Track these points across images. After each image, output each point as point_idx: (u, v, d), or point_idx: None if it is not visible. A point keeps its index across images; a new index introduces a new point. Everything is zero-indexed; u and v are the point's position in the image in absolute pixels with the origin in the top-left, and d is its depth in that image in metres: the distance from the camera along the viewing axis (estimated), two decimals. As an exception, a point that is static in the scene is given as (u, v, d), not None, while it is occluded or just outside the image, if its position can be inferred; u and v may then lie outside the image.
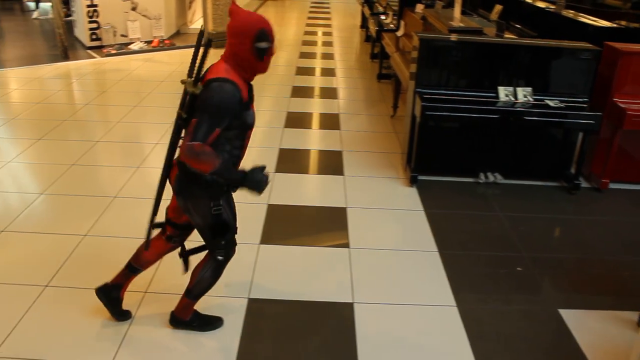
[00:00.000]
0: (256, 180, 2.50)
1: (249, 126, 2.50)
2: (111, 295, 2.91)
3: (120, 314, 2.94)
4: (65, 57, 8.36)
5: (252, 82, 2.52)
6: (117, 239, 3.69)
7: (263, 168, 2.55)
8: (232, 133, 2.44)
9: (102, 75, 7.70)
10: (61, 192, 4.29)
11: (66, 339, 2.82)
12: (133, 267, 2.88)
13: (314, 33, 11.67)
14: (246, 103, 2.44)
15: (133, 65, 8.22)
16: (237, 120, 2.41)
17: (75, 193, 4.29)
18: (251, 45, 2.36)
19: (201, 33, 2.50)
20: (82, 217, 3.93)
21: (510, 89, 4.50)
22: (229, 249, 2.69)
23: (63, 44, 8.35)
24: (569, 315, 3.16)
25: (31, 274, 3.29)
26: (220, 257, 2.69)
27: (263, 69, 2.48)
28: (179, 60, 8.69)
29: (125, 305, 2.97)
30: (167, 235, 2.83)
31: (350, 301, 3.17)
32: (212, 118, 2.31)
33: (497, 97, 4.48)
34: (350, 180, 4.70)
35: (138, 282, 3.19)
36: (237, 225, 2.71)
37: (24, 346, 2.75)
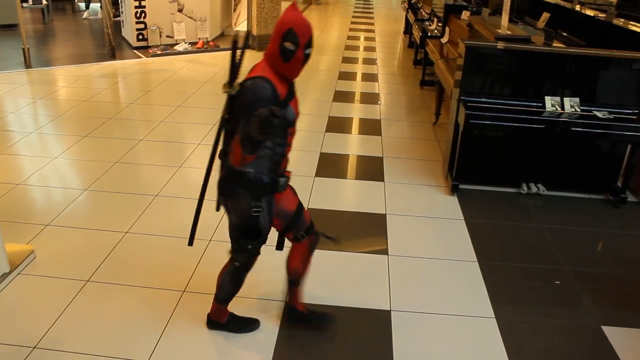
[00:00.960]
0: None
1: (290, 123, 2.43)
2: (295, 314, 2.97)
3: (317, 319, 2.97)
4: (113, 56, 8.54)
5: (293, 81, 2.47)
6: (158, 237, 3.74)
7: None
8: (285, 131, 2.42)
9: (147, 75, 7.84)
10: (104, 189, 4.37)
11: (105, 333, 2.86)
12: (290, 281, 2.90)
13: (357, 38, 11.66)
14: (284, 100, 2.36)
15: (177, 66, 8.34)
16: None
17: (117, 190, 4.36)
18: (280, 44, 2.28)
19: (240, 39, 2.47)
20: (123, 215, 3.99)
21: (557, 98, 4.41)
22: (251, 256, 2.62)
23: (111, 44, 8.53)
24: (612, 333, 3.07)
25: (73, 268, 3.36)
26: (237, 263, 2.64)
27: (289, 72, 2.35)
28: (223, 61, 8.77)
29: (163, 305, 3.01)
30: (292, 238, 2.79)
31: (388, 309, 3.15)
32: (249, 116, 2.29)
33: (543, 106, 4.39)
34: (390, 186, 4.67)
35: (177, 280, 3.23)
36: (268, 237, 2.63)
37: (65, 339, 2.80)
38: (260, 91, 2.27)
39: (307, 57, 2.32)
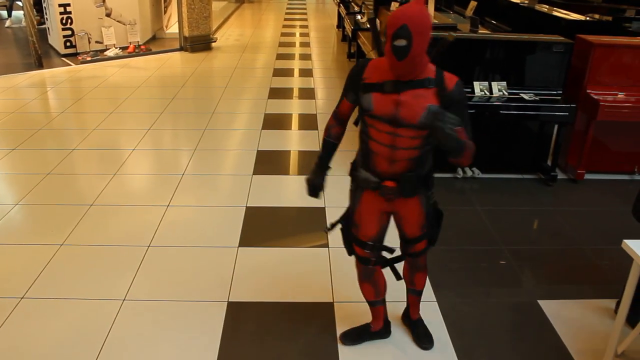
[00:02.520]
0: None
1: (364, 110, 2.30)
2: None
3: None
4: (40, 65, 8.27)
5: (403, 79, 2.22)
6: (94, 247, 3.66)
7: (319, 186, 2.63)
8: (365, 120, 2.37)
9: (77, 82, 7.63)
10: (37, 202, 4.24)
11: (43, 350, 2.78)
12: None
13: (291, 34, 11.66)
14: (369, 85, 2.27)
15: (109, 72, 8.15)
16: (357, 98, 2.34)
17: (51, 202, 4.24)
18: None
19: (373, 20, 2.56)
20: (58, 227, 3.88)
21: (485, 83, 4.53)
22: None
23: (37, 52, 8.25)
24: (548, 306, 3.18)
25: (6, 286, 3.25)
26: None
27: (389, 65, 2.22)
28: (156, 65, 8.63)
29: (103, 317, 2.95)
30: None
31: (331, 301, 3.17)
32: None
33: (472, 92, 4.50)
34: (329, 179, 4.66)
35: (116, 290, 3.17)
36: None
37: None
38: (353, 68, 2.39)
39: (397, 49, 2.11)
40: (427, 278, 3.36)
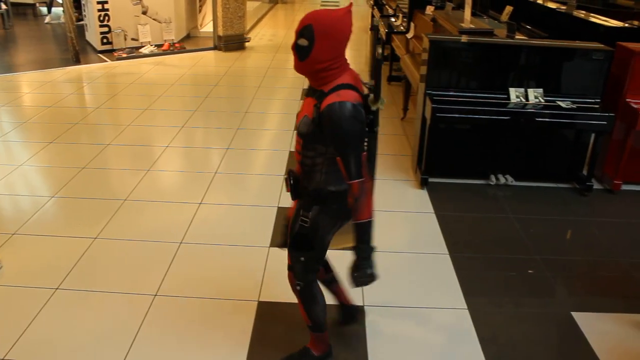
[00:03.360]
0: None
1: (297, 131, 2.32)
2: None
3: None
4: (77, 61, 8.41)
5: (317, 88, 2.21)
6: (127, 241, 3.70)
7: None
8: None
9: (112, 78, 7.74)
10: (72, 195, 4.31)
11: (75, 341, 2.82)
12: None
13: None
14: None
15: (143, 69, 8.25)
16: None
17: (85, 196, 4.30)
18: None
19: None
20: (92, 220, 3.94)
21: (521, 90, 4.47)
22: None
23: (74, 48, 8.39)
24: (582, 318, 3.12)
25: (42, 276, 3.30)
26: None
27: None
28: (190, 63, 8.71)
29: (135, 310, 2.98)
30: None
31: (361, 304, 3.16)
32: None
33: (508, 98, 4.45)
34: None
35: (148, 284, 3.21)
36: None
37: (34, 349, 2.76)
38: None
39: (299, 48, 2.12)
40: (460, 287, 3.34)
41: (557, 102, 4.42)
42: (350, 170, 2.15)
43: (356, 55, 9.98)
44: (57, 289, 3.20)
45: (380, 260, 3.57)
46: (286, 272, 2.62)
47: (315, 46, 2.07)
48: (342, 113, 2.08)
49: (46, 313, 3.01)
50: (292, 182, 2.41)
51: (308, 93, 2.28)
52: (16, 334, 2.84)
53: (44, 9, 12.58)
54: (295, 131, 2.33)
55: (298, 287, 2.54)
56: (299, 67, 2.17)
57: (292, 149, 5.33)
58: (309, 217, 2.40)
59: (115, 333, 2.87)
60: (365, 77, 8.34)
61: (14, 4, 11.74)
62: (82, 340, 2.82)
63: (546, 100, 4.44)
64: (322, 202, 2.38)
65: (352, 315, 2.98)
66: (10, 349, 2.74)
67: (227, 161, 5.00)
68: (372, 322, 3.02)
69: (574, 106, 4.38)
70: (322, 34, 2.07)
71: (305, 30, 2.07)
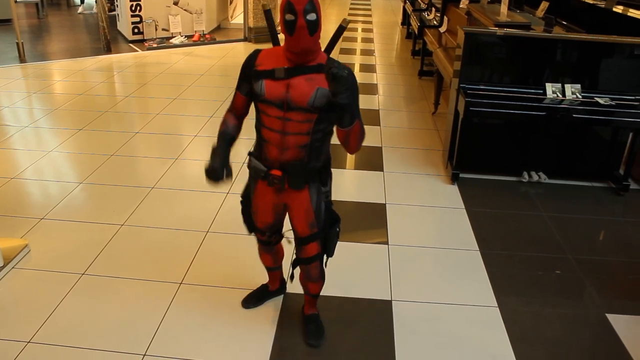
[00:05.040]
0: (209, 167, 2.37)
1: (257, 96, 2.28)
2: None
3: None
4: (108, 50, 8.47)
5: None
6: (154, 229, 3.69)
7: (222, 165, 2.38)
8: (257, 106, 2.35)
9: (142, 68, 7.76)
10: (100, 182, 4.31)
11: (100, 326, 2.81)
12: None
13: (354, 29, 11.57)
14: (261, 72, 2.26)
15: (173, 59, 8.26)
16: (250, 88, 2.31)
17: (113, 183, 4.30)
18: (282, 19, 2.16)
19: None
20: (119, 207, 3.93)
21: (558, 85, 4.35)
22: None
23: (106, 38, 8.45)
24: (617, 321, 3.02)
25: (68, 261, 3.30)
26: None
27: (294, 46, 2.17)
28: (220, 54, 8.70)
29: (160, 298, 2.96)
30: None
31: (389, 299, 3.09)
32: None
33: (544, 93, 4.33)
34: (389, 176, 4.61)
35: (174, 273, 3.19)
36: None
37: (59, 333, 2.75)
38: (246, 59, 2.35)
39: (310, 23, 2.12)
40: (490, 284, 3.26)
41: (596, 98, 4.29)
42: (356, 114, 2.26)
43: (388, 49, 9.88)
44: (83, 274, 3.19)
45: (410, 255, 3.53)
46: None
47: (320, 18, 2.16)
48: (352, 73, 2.20)
49: (72, 298, 3.00)
50: (288, 173, 2.37)
51: (288, 74, 2.23)
52: (42, 318, 2.84)
53: (77, 0, 12.71)
54: (291, 110, 2.25)
55: (325, 266, 2.65)
56: (309, 43, 2.17)
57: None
58: (328, 190, 2.52)
59: (140, 319, 2.85)
60: (396, 70, 8.25)
61: (48, -6, 11.90)
62: (107, 326, 2.81)
63: (584, 96, 4.31)
64: (328, 170, 2.51)
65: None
66: (35, 332, 2.74)
67: (255, 152, 4.96)
68: (400, 316, 2.95)
69: (613, 103, 4.25)
70: (319, 8, 2.18)
71: (310, 4, 2.11)
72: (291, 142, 2.30)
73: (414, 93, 7.09)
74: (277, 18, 1.93)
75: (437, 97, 6.17)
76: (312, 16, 2.12)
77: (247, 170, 2.54)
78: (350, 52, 9.39)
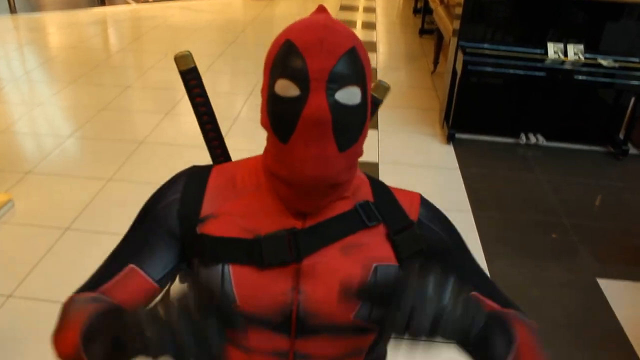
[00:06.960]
0: None
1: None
2: None
3: None
4: (102, 2, 8.29)
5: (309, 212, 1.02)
6: (141, 184, 3.62)
7: None
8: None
9: (137, 21, 7.60)
10: (88, 137, 4.23)
11: (81, 282, 2.76)
12: None
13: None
14: (217, 240, 1.03)
15: (169, 13, 8.09)
16: (173, 267, 1.09)
17: (102, 137, 4.22)
18: (267, 91, 1.00)
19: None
20: (107, 162, 3.86)
21: (561, 45, 4.22)
22: None
23: (101, -11, 8.27)
24: (607, 285, 2.97)
25: (52, 216, 3.25)
26: None
27: (290, 172, 0.99)
28: (217, 9, 8.51)
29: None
30: None
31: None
32: None
33: (545, 53, 4.21)
34: (384, 135, 4.52)
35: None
36: None
37: (40, 288, 2.71)
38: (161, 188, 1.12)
39: (346, 112, 0.93)
40: (481, 247, 3.21)
41: (599, 60, 4.17)
42: (500, 292, 1.08)
43: (389, 6, 9.67)
44: (67, 229, 3.14)
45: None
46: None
47: (368, 96, 0.97)
48: (433, 204, 1.15)
49: (55, 252, 2.95)
50: None
51: (304, 243, 0.99)
52: (24, 273, 2.79)
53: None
54: (310, 334, 0.99)
55: None
56: (337, 167, 0.98)
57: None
58: None
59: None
60: (397, 28, 8.08)
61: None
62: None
63: (586, 58, 4.19)
64: None
65: None
66: (17, 286, 2.70)
67: (249, 107, 4.87)
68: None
69: (616, 65, 4.13)
70: (369, 67, 0.98)
71: (348, 58, 0.91)
72: None
73: (414, 51, 6.94)
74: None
75: (436, 55, 6.04)
76: (351, 93, 0.92)
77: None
78: (351, 8, 9.18)
